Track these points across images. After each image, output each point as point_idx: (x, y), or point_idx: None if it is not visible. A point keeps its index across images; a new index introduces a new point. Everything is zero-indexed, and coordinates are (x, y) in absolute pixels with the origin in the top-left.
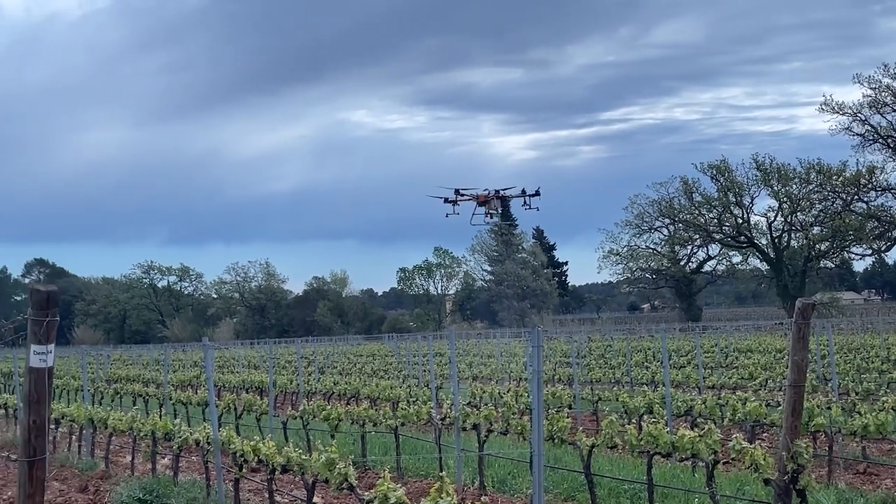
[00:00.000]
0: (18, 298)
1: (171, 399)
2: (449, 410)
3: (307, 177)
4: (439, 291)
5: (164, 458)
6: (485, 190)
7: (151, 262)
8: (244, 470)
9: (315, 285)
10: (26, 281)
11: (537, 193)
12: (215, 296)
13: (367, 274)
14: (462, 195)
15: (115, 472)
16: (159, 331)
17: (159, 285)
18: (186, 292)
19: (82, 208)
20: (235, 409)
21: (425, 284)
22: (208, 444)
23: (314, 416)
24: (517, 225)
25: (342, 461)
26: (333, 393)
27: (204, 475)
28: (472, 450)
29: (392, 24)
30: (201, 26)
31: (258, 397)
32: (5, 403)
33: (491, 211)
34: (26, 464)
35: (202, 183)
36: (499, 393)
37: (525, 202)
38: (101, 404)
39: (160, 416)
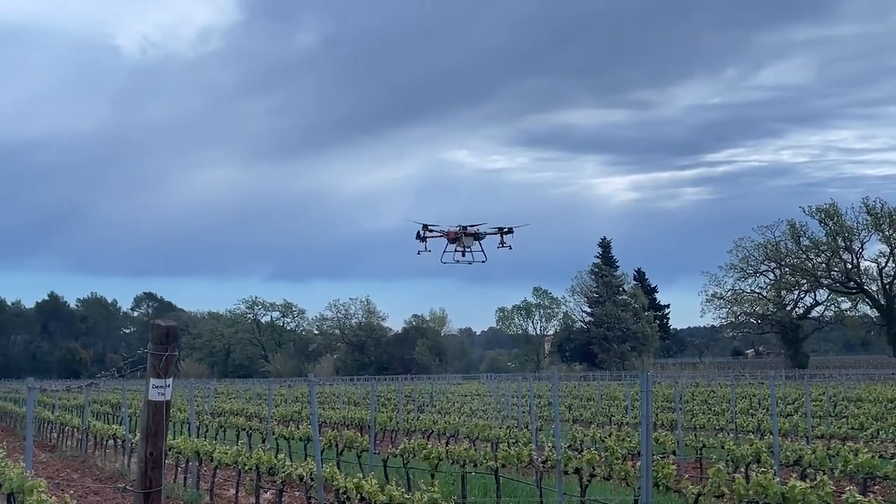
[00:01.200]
0: (127, 331)
1: (273, 433)
2: (551, 453)
3: (410, 215)
4: (538, 332)
5: (266, 492)
6: (456, 226)
7: (256, 297)
8: None
9: (414, 323)
10: (135, 314)
11: (510, 231)
12: (316, 332)
13: (465, 313)
14: (430, 231)
15: None
16: (261, 365)
17: (263, 321)
18: (289, 328)
19: (191, 244)
20: (336, 445)
21: (524, 324)
22: (311, 479)
23: (414, 455)
24: (618, 266)
25: (444, 502)
26: (433, 432)
27: None
28: (574, 494)
29: (493, 65)
30: (309, 68)
31: (359, 434)
32: (114, 434)
33: (461, 248)
34: (142, 495)
35: (307, 221)
36: (600, 437)
37: (501, 241)
38: (205, 437)
39: (263, 451)
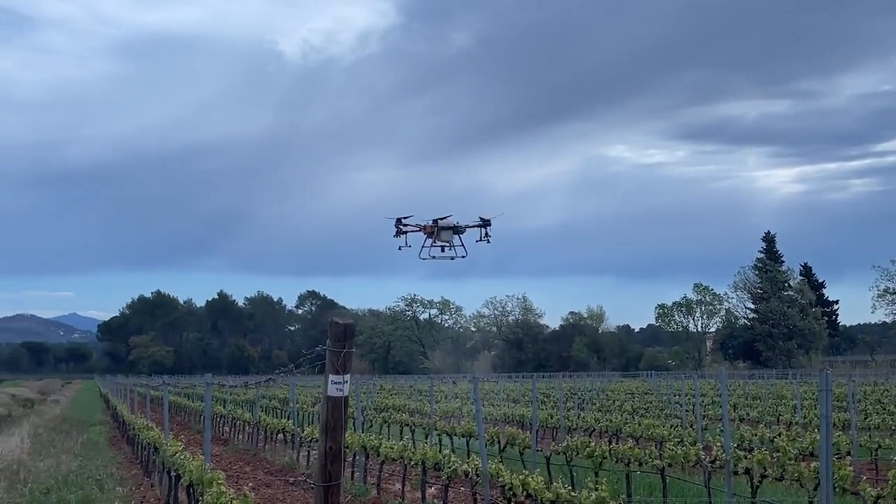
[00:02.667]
0: (292, 328)
1: (436, 429)
2: (718, 452)
3: (565, 212)
4: (699, 329)
5: (430, 487)
6: (430, 220)
7: (414, 295)
8: (512, 503)
9: (571, 320)
10: (299, 312)
11: (488, 223)
12: (474, 329)
13: (623, 310)
14: (405, 225)
15: (385, 498)
16: (420, 362)
17: (421, 318)
18: (446, 325)
19: (352, 243)
20: (499, 441)
21: (684, 321)
22: (477, 475)
23: (577, 453)
24: (783, 261)
25: (614, 500)
26: (595, 430)
27: None
28: (744, 495)
29: (649, 59)
30: (465, 68)
31: (520, 431)
32: (283, 428)
33: (441, 243)
34: (322, 488)
35: (465, 218)
36: (769, 437)
37: (481, 235)
38: (370, 432)
39: (428, 446)
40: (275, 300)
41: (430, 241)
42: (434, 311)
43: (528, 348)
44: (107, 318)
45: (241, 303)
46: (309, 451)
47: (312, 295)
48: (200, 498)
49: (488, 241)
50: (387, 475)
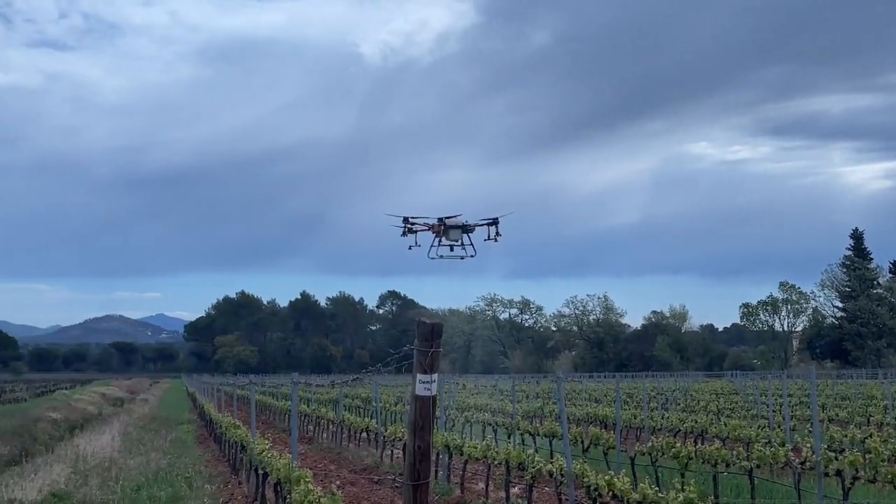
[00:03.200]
0: (373, 328)
1: (518, 429)
2: (808, 454)
3: (647, 211)
4: (785, 328)
5: (514, 486)
6: (435, 219)
7: (494, 294)
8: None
9: (653, 320)
10: (380, 311)
11: (496, 221)
12: (554, 329)
13: (707, 309)
14: (413, 224)
15: (469, 497)
16: (501, 361)
17: (501, 317)
18: (527, 325)
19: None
20: (582, 441)
21: (770, 320)
22: (561, 475)
23: (663, 454)
24: (872, 259)
25: (702, 501)
26: (680, 430)
27: None
28: (835, 497)
29: (732, 54)
30: (545, 67)
31: (603, 431)
32: (367, 427)
33: (449, 242)
34: (411, 487)
35: (544, 218)
36: (860, 438)
37: (489, 233)
38: (451, 431)
39: (512, 446)
40: (356, 300)
41: (438, 240)
42: (514, 311)
43: (610, 348)
44: (193, 319)
45: (323, 303)
46: (392, 450)
47: (393, 295)
48: (288, 496)
49: (496, 240)
50: (469, 474)
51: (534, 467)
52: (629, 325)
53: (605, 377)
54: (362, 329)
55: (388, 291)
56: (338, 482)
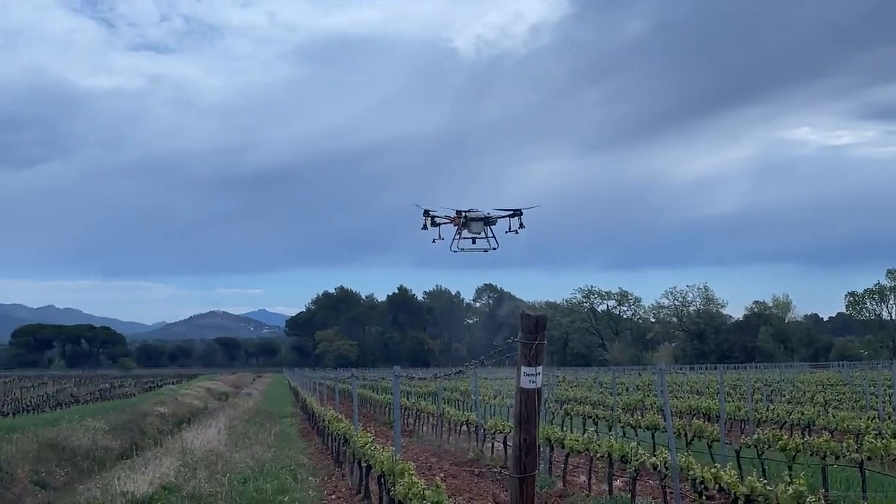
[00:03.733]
0: (470, 321)
1: (619, 422)
2: None
3: (747, 199)
4: (893, 317)
5: (616, 479)
6: (455, 211)
7: (591, 286)
8: (703, 497)
9: (756, 310)
10: (477, 305)
11: (519, 213)
12: (653, 320)
13: (811, 298)
14: (434, 216)
15: (571, 491)
16: (599, 354)
17: (599, 309)
18: (625, 316)
19: (528, 236)
20: (685, 434)
21: (877, 309)
22: (666, 468)
23: (769, 446)
24: None
25: (812, 494)
26: (786, 422)
27: (661, 499)
28: None
29: (834, 38)
30: (640, 56)
31: (707, 423)
32: (467, 420)
33: (471, 235)
34: (517, 480)
35: (641, 209)
36: None
37: (511, 226)
38: (551, 424)
39: (613, 439)
40: (453, 293)
41: (459, 232)
42: (612, 303)
43: (711, 339)
44: (293, 314)
45: (420, 297)
46: (493, 443)
47: (489, 288)
48: (392, 488)
49: (517, 233)
50: (570, 467)
51: (637, 460)
52: (730, 316)
53: (706, 369)
54: (459, 322)
55: (485, 284)
56: (441, 475)
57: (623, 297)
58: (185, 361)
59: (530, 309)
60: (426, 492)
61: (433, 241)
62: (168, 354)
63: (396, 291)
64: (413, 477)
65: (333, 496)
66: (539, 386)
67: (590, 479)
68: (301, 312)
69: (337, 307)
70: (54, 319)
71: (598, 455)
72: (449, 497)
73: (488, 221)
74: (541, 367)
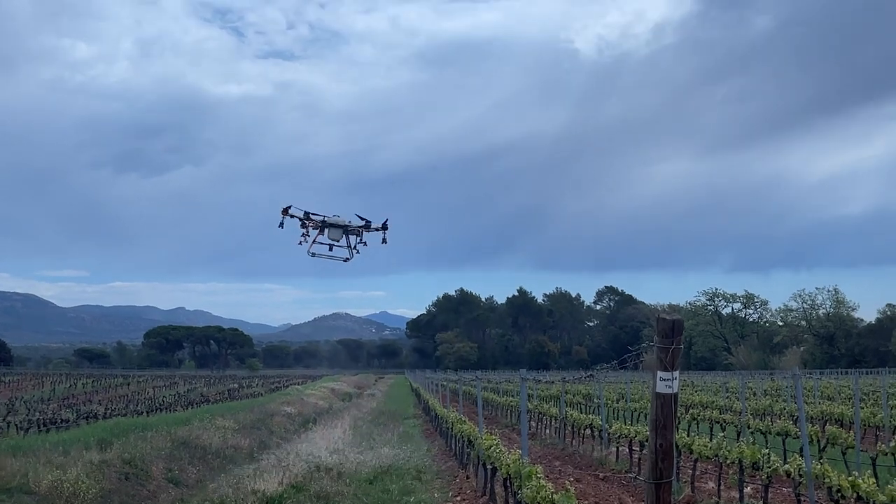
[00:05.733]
0: (591, 324)
1: (748, 427)
2: None
3: (881, 198)
4: None
5: (747, 486)
6: (322, 217)
7: (716, 289)
8: None
9: (889, 313)
10: (597, 307)
11: (384, 227)
12: (781, 323)
13: None
14: (311, 220)
15: (700, 497)
16: (724, 357)
17: (724, 312)
18: (751, 320)
19: (650, 238)
20: (818, 441)
21: None
22: (800, 475)
23: None
24: None
25: None
26: None
27: None
28: None
29: None
30: (766, 53)
31: (841, 430)
32: (591, 424)
33: (330, 241)
34: (653, 486)
35: (767, 209)
36: None
37: (385, 237)
38: (678, 429)
39: (744, 445)
40: (573, 296)
41: (316, 237)
42: (737, 306)
43: (841, 343)
44: (414, 316)
45: (540, 299)
46: (618, 448)
47: (610, 290)
48: (518, 491)
49: (384, 242)
50: (699, 473)
51: (769, 467)
52: (862, 319)
53: (838, 374)
54: (580, 325)
55: (606, 287)
56: (570, 479)
57: (749, 299)
58: (309, 362)
59: (665, 312)
60: (555, 496)
61: (299, 243)
62: (293, 355)
63: (516, 294)
64: (541, 480)
65: (458, 498)
66: (676, 391)
67: (719, 485)
68: (422, 314)
69: (457, 309)
70: (184, 321)
71: (727, 461)
72: (577, 502)
73: (347, 230)
74: (677, 372)
